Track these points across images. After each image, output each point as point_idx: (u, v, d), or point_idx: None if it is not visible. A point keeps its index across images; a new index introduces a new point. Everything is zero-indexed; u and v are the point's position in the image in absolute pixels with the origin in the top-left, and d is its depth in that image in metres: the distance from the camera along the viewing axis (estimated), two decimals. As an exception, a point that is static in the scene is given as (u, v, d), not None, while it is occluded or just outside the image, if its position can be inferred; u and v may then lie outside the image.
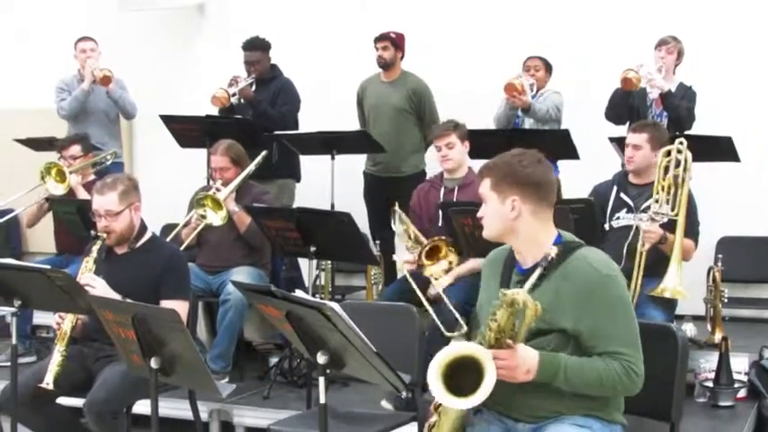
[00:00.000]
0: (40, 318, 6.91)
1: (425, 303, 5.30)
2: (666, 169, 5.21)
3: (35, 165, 6.62)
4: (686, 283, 5.30)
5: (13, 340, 4.38)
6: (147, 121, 7.69)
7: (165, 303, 4.44)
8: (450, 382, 3.04)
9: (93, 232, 4.73)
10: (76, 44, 7.50)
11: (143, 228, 4.75)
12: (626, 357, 3.15)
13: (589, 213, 5.10)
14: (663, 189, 5.19)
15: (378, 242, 6.67)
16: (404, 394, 3.65)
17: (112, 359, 4.48)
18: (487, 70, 7.41)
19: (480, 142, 5.94)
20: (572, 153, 6.14)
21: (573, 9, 7.56)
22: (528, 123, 6.72)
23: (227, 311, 5.79)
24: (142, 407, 4.44)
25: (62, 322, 4.53)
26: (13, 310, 4.33)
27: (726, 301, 5.93)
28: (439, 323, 5.16)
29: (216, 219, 5.84)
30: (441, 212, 5.64)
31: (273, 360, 6.21)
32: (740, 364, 5.63)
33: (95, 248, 4.62)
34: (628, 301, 3.25)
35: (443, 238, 5.46)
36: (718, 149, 6.00)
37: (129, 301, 4.30)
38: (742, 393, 5.54)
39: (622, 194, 5.46)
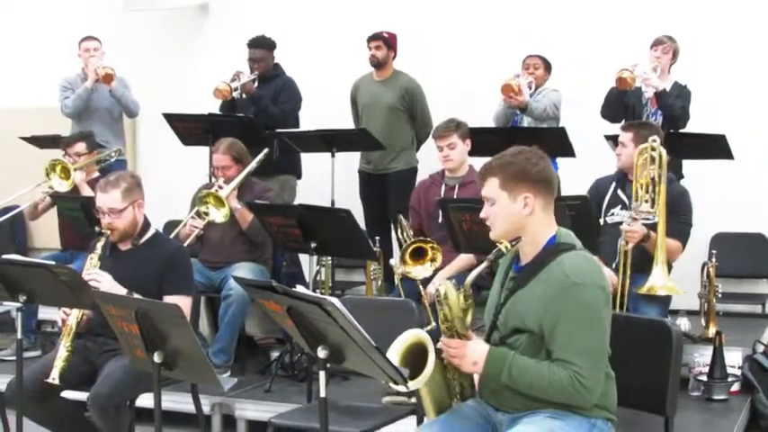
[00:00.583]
0: (45, 313, 6.91)
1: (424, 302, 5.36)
2: (644, 168, 5.18)
3: (40, 162, 6.65)
4: (681, 278, 5.34)
5: (19, 335, 4.42)
6: (149, 119, 7.73)
7: (169, 298, 4.46)
8: (412, 367, 3.22)
9: (97, 229, 4.73)
10: (80, 43, 7.52)
11: (146, 224, 4.77)
12: (575, 368, 3.11)
13: (585, 210, 5.08)
14: (641, 188, 5.17)
15: (377, 238, 6.66)
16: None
17: (116, 353, 4.50)
18: (484, 70, 7.46)
19: (479, 140, 5.97)
20: (568, 151, 6.17)
21: (571, 8, 7.59)
22: (526, 122, 6.75)
23: (229, 307, 5.84)
24: (145, 400, 4.45)
25: (67, 318, 4.55)
26: (19, 305, 4.35)
27: (720, 296, 5.97)
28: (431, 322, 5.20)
29: (218, 216, 5.87)
30: (441, 209, 5.64)
31: (274, 354, 6.23)
32: (734, 359, 5.64)
33: (99, 245, 4.64)
34: (595, 312, 3.16)
35: (428, 239, 5.50)
36: (712, 147, 6.05)
37: (134, 295, 4.33)
38: (735, 387, 5.57)
39: (619, 191, 5.47)
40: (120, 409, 4.46)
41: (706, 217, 5.95)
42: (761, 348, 5.89)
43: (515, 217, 3.26)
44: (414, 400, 4.50)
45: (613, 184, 5.52)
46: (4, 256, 4.44)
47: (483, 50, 7.70)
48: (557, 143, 6.05)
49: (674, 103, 6.28)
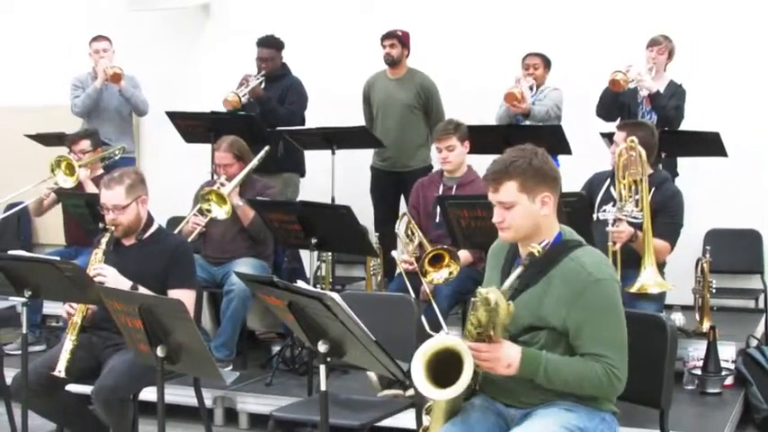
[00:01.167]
0: (50, 308, 6.96)
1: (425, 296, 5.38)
2: (626, 168, 5.13)
3: (45, 159, 6.67)
4: (675, 274, 5.39)
5: (24, 329, 4.46)
6: (153, 117, 7.74)
7: (173, 293, 4.49)
8: (435, 373, 3.12)
9: (101, 225, 4.76)
10: (90, 43, 7.55)
11: (150, 220, 4.79)
12: (607, 360, 3.17)
13: (581, 207, 5.07)
14: (625, 188, 5.13)
15: (377, 234, 6.70)
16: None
17: (120, 347, 4.52)
18: (484, 69, 7.50)
19: (478, 139, 5.98)
20: (565, 148, 6.19)
21: (567, 6, 7.61)
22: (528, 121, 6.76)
23: (231, 301, 5.89)
24: (149, 394, 4.44)
25: (73, 312, 4.58)
26: (24, 300, 4.40)
27: (714, 291, 6.00)
28: (425, 321, 5.23)
29: (220, 213, 5.92)
30: (438, 208, 5.65)
31: (276, 349, 6.26)
32: (727, 353, 5.69)
33: (104, 240, 4.66)
34: (617, 305, 3.24)
35: (447, 247, 5.46)
36: (706, 144, 6.09)
37: (140, 289, 4.37)
38: (729, 381, 5.61)
39: (612, 189, 5.39)
40: (123, 402, 4.49)
41: (700, 213, 5.99)
42: (754, 343, 5.97)
43: (534, 217, 3.27)
44: (409, 393, 4.56)
45: (607, 181, 5.46)
46: (10, 252, 4.49)
47: (483, 50, 7.71)
48: (553, 141, 6.05)
49: (668, 104, 6.29)
